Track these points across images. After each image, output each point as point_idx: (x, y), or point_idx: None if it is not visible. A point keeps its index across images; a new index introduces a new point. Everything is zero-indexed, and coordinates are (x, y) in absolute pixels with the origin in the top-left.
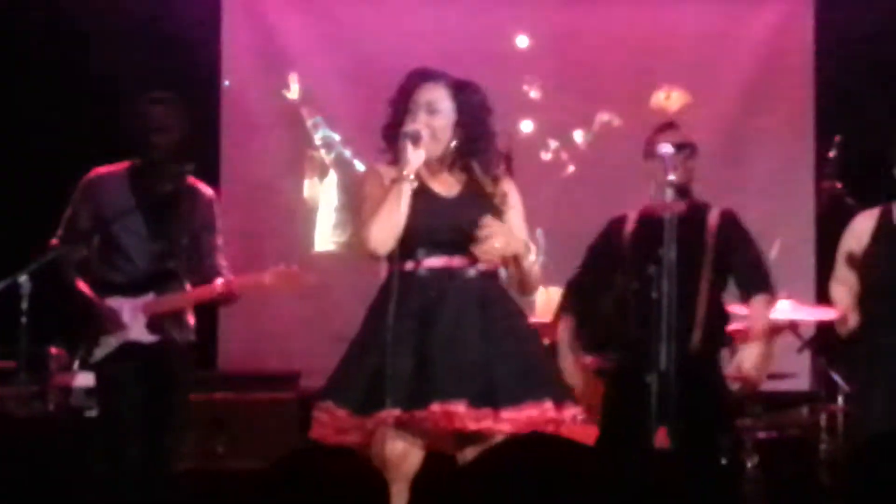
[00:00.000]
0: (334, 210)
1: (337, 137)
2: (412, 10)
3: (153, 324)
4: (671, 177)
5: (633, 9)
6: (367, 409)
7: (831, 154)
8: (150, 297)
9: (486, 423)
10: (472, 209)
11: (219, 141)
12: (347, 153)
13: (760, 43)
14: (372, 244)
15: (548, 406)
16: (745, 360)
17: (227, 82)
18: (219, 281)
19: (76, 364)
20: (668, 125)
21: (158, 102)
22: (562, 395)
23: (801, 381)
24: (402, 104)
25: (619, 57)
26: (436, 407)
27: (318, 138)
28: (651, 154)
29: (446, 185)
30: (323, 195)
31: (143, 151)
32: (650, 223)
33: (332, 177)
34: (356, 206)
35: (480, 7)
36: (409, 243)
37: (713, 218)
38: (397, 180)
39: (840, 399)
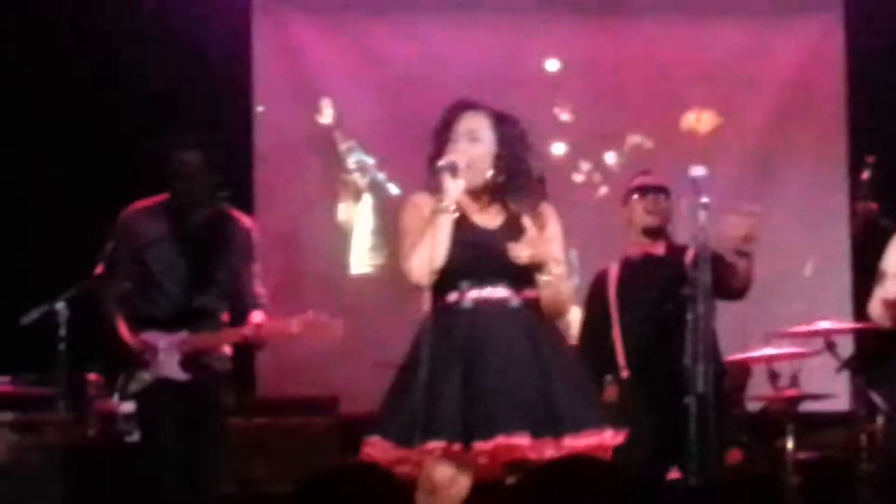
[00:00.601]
0: (370, 233)
1: (370, 161)
2: (442, 34)
3: (186, 362)
4: (704, 199)
5: (663, 30)
6: (414, 441)
7: (865, 175)
8: (184, 334)
9: (549, 453)
10: (513, 240)
11: (252, 168)
12: (381, 176)
13: (792, 63)
14: (414, 276)
15: (608, 433)
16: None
17: (260, 108)
18: (255, 316)
19: (115, 396)
20: (645, 172)
21: (196, 146)
22: (615, 422)
23: (840, 402)
24: (443, 134)
25: (649, 78)
26: (501, 440)
27: (351, 162)
28: (628, 199)
29: (488, 216)
30: (357, 218)
31: (180, 194)
32: (633, 267)
33: (367, 200)
34: (396, 236)
35: (510, 30)
36: (452, 275)
37: (689, 256)
38: (438, 211)
39: (879, 419)
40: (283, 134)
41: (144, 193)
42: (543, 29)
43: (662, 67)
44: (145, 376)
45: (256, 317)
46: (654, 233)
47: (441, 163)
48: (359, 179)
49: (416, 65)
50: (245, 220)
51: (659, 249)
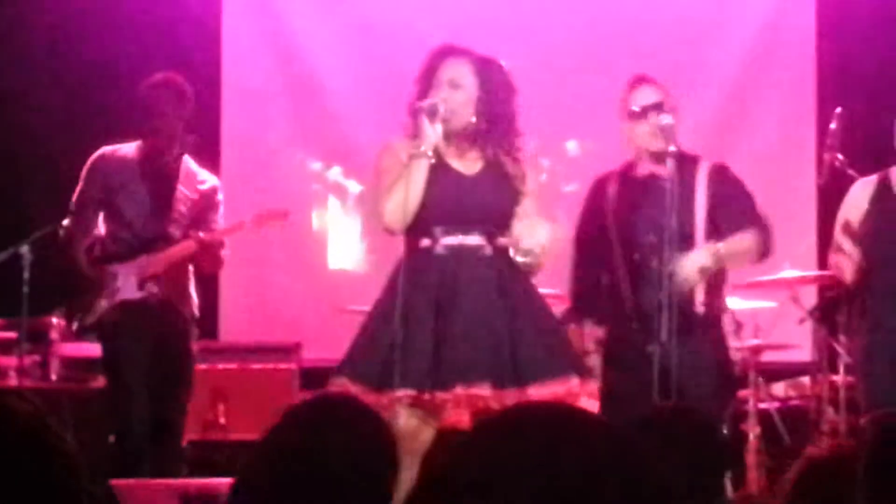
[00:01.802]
0: (345, 233)
1: (319, 166)
2: None
3: (142, 283)
4: (672, 147)
5: None
6: (382, 386)
7: (832, 126)
8: (141, 257)
9: (511, 402)
10: (491, 187)
11: (220, 116)
12: (339, 177)
13: (761, 16)
14: (387, 219)
15: (574, 382)
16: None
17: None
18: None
19: (69, 330)
20: (641, 79)
21: (165, 85)
22: (585, 370)
23: (802, 352)
24: (426, 80)
25: (615, 38)
26: (460, 390)
27: (310, 170)
28: (630, 115)
29: (467, 163)
30: (329, 221)
31: (148, 133)
32: (634, 185)
33: (333, 202)
34: (373, 179)
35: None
36: (426, 220)
37: (702, 175)
38: (415, 156)
39: (842, 369)
40: (251, 83)
41: (108, 138)
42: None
43: (629, 25)
44: (103, 303)
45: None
46: (660, 154)
47: (422, 103)
48: (320, 187)
49: (391, 11)
50: (212, 177)
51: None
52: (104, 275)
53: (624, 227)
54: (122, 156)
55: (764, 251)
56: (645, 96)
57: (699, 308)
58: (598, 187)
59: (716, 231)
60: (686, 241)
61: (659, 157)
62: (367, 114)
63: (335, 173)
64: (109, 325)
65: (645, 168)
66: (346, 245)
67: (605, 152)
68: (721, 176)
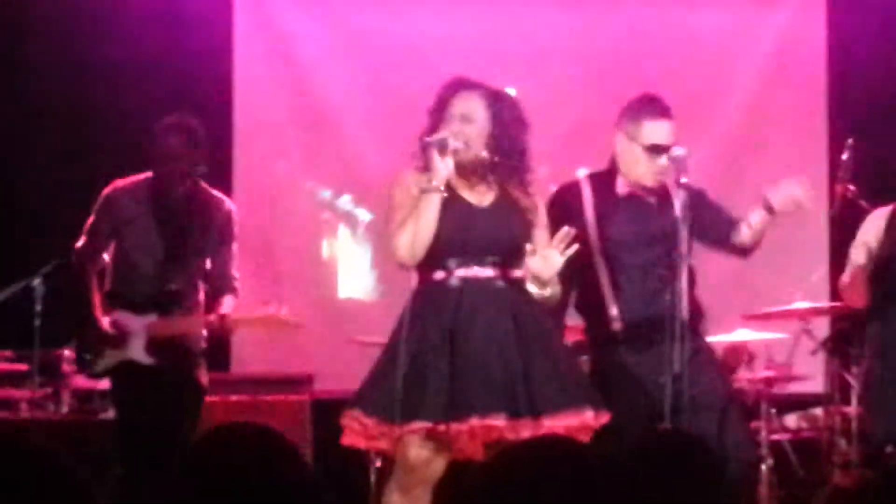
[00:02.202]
0: (355, 263)
1: (328, 195)
2: (426, 10)
3: (152, 346)
4: (684, 179)
5: (641, 10)
6: (396, 418)
7: (844, 156)
8: (153, 317)
9: (526, 433)
10: (504, 220)
11: (232, 148)
12: (349, 205)
13: (772, 45)
14: (401, 254)
15: (588, 414)
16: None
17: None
18: (226, 301)
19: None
20: (662, 111)
21: (178, 128)
22: (598, 402)
23: (815, 384)
24: (438, 113)
25: (626, 65)
26: (475, 421)
27: (322, 202)
28: (637, 141)
29: (479, 195)
30: (340, 252)
31: (161, 174)
32: (615, 200)
33: (343, 232)
34: (386, 214)
35: (494, 10)
36: (439, 253)
37: (680, 193)
38: (426, 190)
39: (854, 401)
40: (263, 114)
41: (126, 171)
42: (523, 9)
43: (640, 50)
44: (112, 357)
45: (227, 302)
46: (654, 189)
47: (432, 138)
48: (329, 216)
49: (401, 42)
50: (225, 201)
51: (650, 196)
52: (113, 323)
53: (609, 246)
54: (134, 190)
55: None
56: (665, 134)
57: (685, 315)
58: (569, 197)
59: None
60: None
61: (645, 189)
62: (377, 142)
63: (345, 202)
64: (117, 377)
65: (625, 188)
66: (357, 274)
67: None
68: (692, 192)
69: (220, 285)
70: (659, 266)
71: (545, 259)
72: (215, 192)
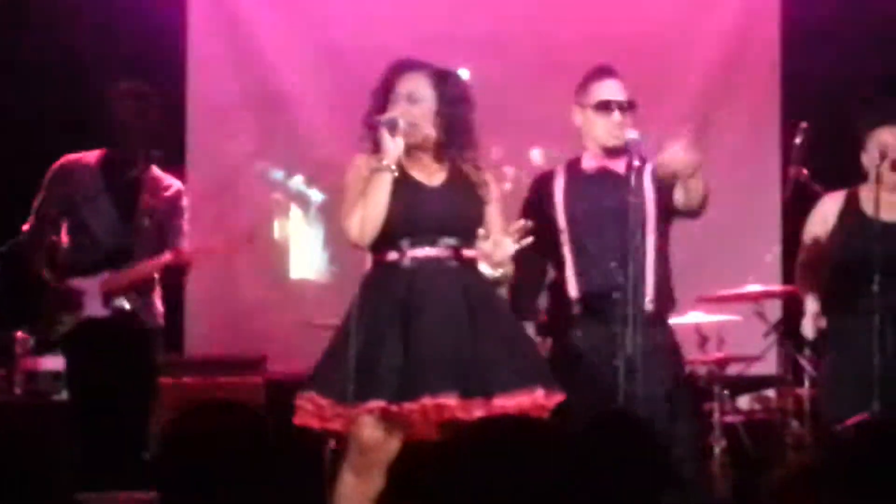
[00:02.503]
0: (308, 243)
1: (279, 175)
2: None
3: (109, 299)
4: (637, 162)
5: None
6: (351, 398)
7: (797, 140)
8: (105, 273)
9: (478, 413)
10: (456, 198)
11: (185, 128)
12: (301, 186)
13: (725, 30)
14: (354, 234)
15: (539, 393)
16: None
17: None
18: (167, 254)
19: (33, 345)
20: (607, 71)
21: (132, 94)
22: (551, 382)
23: (767, 365)
24: (383, 94)
25: (579, 48)
26: (427, 400)
27: (272, 183)
28: (594, 106)
29: (430, 174)
30: (292, 231)
31: (114, 142)
32: (583, 179)
33: (295, 212)
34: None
35: None
36: (392, 233)
37: (649, 171)
38: (377, 170)
39: (807, 382)
40: (216, 95)
41: (73, 149)
42: None
43: (592, 37)
44: (68, 320)
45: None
46: (616, 151)
47: (382, 118)
48: (281, 196)
49: (353, 22)
50: (174, 182)
51: (619, 167)
52: (68, 289)
53: (574, 224)
54: (84, 164)
55: (707, 196)
56: (611, 91)
57: (648, 305)
58: (543, 183)
59: (663, 224)
60: (643, 235)
61: (612, 153)
62: (329, 123)
63: (297, 182)
64: (74, 342)
65: (592, 162)
66: (309, 255)
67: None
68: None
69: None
70: (619, 246)
71: (497, 245)
72: (165, 174)
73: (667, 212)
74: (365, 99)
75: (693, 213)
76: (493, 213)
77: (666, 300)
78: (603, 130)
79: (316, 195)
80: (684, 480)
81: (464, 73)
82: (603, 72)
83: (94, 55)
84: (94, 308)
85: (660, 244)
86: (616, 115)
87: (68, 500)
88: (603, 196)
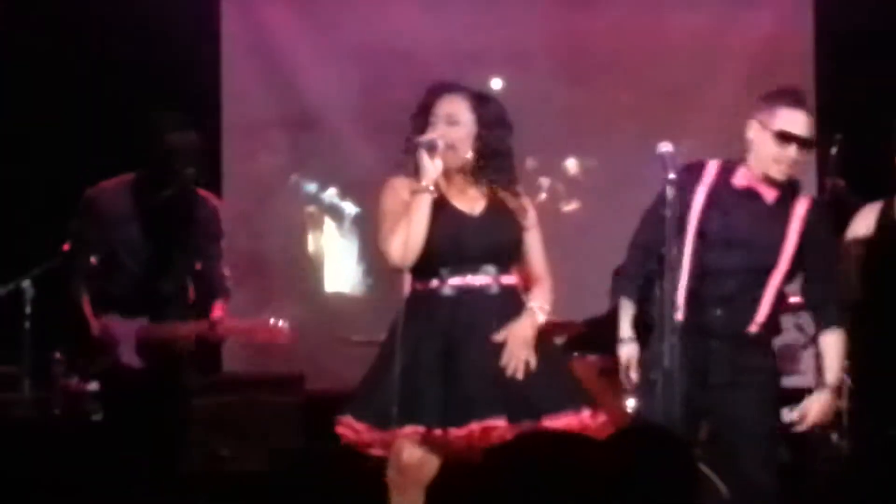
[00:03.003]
0: (342, 257)
1: (314, 188)
2: (412, 11)
3: (142, 350)
4: (671, 175)
5: (626, 10)
6: (389, 424)
7: (833, 151)
8: (143, 321)
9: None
10: (496, 227)
11: (220, 147)
12: (335, 199)
13: (759, 41)
14: (394, 259)
15: (586, 414)
16: (812, 409)
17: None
18: (217, 306)
19: (76, 377)
20: (799, 100)
21: (177, 129)
22: (594, 403)
23: (806, 378)
24: (422, 117)
25: (615, 62)
26: (474, 426)
27: (306, 196)
28: (769, 128)
29: (470, 202)
30: (325, 244)
31: (153, 162)
32: (730, 192)
33: (329, 225)
34: (376, 221)
35: (479, 8)
36: (433, 261)
37: (801, 207)
38: (417, 192)
39: (845, 395)
40: (250, 111)
41: (110, 172)
42: (510, 8)
43: (627, 49)
44: (103, 361)
45: (217, 309)
46: (774, 183)
47: (421, 139)
48: (315, 210)
49: (386, 39)
50: (211, 199)
51: (769, 195)
52: (105, 329)
53: (703, 235)
54: (118, 190)
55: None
56: (798, 125)
57: (753, 328)
58: (691, 174)
59: (794, 268)
60: (767, 270)
61: (769, 181)
62: (362, 137)
63: (330, 195)
64: (108, 380)
65: (744, 180)
66: (343, 268)
67: (604, 170)
68: (818, 216)
69: (210, 286)
70: (741, 272)
71: (539, 292)
72: (200, 191)
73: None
74: (395, 113)
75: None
76: (533, 239)
77: (773, 327)
78: (773, 160)
79: (350, 208)
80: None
81: (497, 84)
82: (796, 100)
83: (129, 77)
84: (128, 357)
85: (786, 278)
86: (793, 149)
87: None
88: (740, 217)
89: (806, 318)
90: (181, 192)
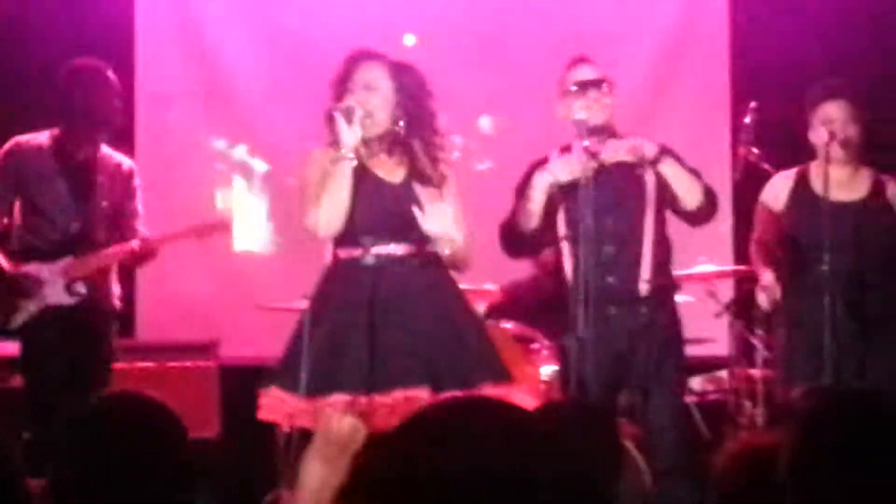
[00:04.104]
0: (251, 214)
1: (223, 145)
2: None
3: (71, 286)
4: (586, 142)
5: None
6: (315, 392)
7: (747, 120)
8: (68, 259)
9: None
10: (416, 195)
11: (134, 112)
12: (244, 156)
13: (674, 10)
14: (319, 226)
15: (506, 388)
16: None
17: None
18: (135, 242)
19: None
20: (579, 59)
21: (87, 72)
22: (512, 378)
23: (719, 346)
24: (341, 85)
25: (529, 30)
26: (398, 393)
27: (214, 153)
28: (566, 93)
29: (390, 171)
30: (235, 202)
31: (66, 121)
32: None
33: (238, 182)
34: (300, 193)
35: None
36: (354, 230)
37: (649, 149)
38: (336, 159)
39: (759, 363)
40: (165, 76)
41: (24, 126)
42: None
43: (541, 18)
44: (30, 307)
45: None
46: (599, 131)
47: (338, 105)
48: (223, 167)
49: (303, 14)
50: (127, 160)
51: (606, 152)
52: (27, 275)
53: (568, 210)
54: (36, 145)
55: (710, 201)
56: (583, 73)
57: (643, 286)
58: (537, 169)
59: (661, 206)
60: (635, 225)
61: (596, 132)
62: (272, 96)
63: (240, 151)
64: (35, 329)
65: (580, 149)
66: (252, 226)
67: (518, 129)
68: (663, 147)
69: (129, 235)
70: (615, 230)
71: (433, 215)
72: (115, 153)
73: (665, 199)
74: (306, 73)
75: (693, 215)
76: (451, 206)
77: (665, 281)
78: (579, 111)
79: (260, 165)
80: (675, 466)
81: (410, 39)
82: (574, 60)
83: (42, 38)
84: (56, 296)
85: (658, 227)
86: (592, 92)
87: (19, 486)
88: (597, 181)
89: (718, 285)
90: (98, 152)
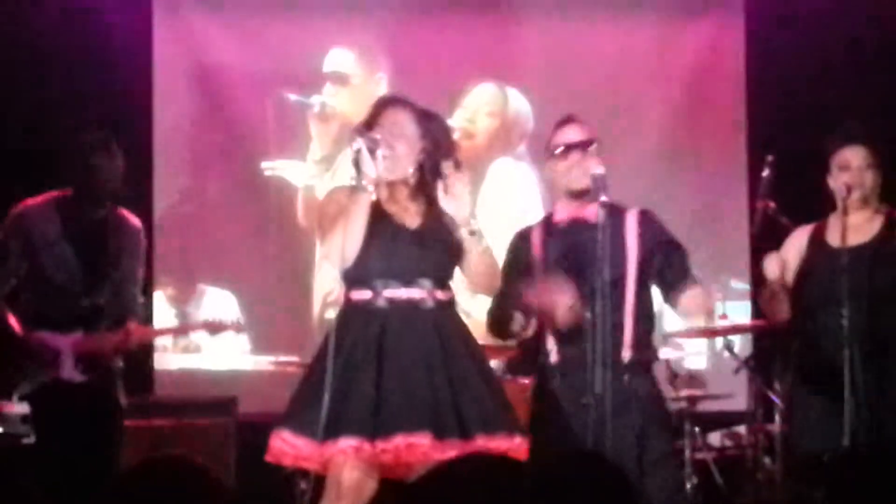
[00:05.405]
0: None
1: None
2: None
3: (81, 363)
4: (603, 197)
5: (559, 27)
6: (324, 436)
7: (764, 173)
8: (79, 335)
9: (453, 453)
10: (432, 242)
11: (152, 173)
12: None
13: (691, 63)
14: (334, 257)
15: (518, 439)
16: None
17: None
18: (130, 323)
19: (13, 397)
20: (566, 120)
21: (98, 147)
22: (524, 429)
23: (738, 402)
24: (367, 128)
25: (547, 79)
26: (400, 439)
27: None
28: (552, 156)
29: (408, 216)
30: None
31: (77, 191)
32: (557, 233)
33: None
34: (319, 229)
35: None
36: (367, 273)
37: (631, 222)
38: (355, 190)
39: (777, 418)
40: (183, 132)
41: (35, 191)
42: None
43: (557, 67)
44: (41, 376)
45: (131, 325)
46: (582, 194)
47: (361, 136)
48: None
49: (311, 64)
50: (133, 220)
51: (590, 213)
52: (45, 343)
53: (549, 273)
54: (45, 210)
55: (711, 310)
56: (568, 135)
57: (625, 355)
58: (521, 238)
59: (645, 280)
60: (617, 291)
61: (580, 196)
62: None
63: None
64: (44, 399)
65: (564, 212)
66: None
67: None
68: (649, 222)
69: (126, 303)
70: (596, 294)
71: (453, 196)
72: (125, 211)
73: (649, 271)
74: None
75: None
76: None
77: (645, 349)
78: (564, 174)
79: None
80: None
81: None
82: (561, 121)
83: (59, 98)
84: (67, 370)
85: (640, 293)
86: (574, 155)
87: None
88: (577, 244)
89: (736, 340)
90: (107, 214)
